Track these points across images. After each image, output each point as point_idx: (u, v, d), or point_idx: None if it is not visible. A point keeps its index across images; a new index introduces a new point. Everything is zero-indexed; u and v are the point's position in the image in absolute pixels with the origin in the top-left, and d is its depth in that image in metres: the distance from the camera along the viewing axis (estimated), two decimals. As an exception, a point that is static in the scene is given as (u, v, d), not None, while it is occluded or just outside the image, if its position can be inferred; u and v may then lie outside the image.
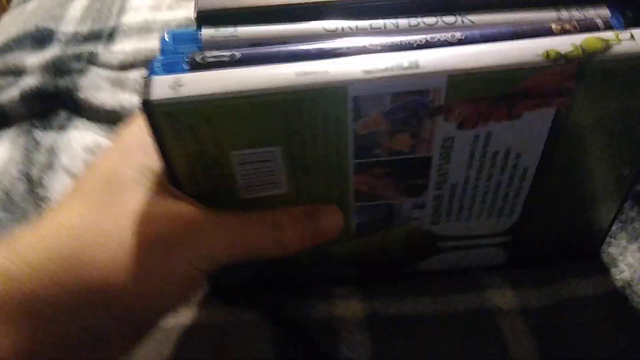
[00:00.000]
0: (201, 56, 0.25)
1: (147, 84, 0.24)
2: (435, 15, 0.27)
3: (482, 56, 0.24)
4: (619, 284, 0.34)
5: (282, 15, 0.27)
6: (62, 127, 0.49)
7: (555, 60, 0.23)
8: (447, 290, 0.35)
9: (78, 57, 0.55)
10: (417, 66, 0.24)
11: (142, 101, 0.24)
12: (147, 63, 0.27)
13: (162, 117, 0.24)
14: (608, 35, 0.24)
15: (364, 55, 0.25)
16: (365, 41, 0.26)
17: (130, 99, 0.50)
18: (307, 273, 0.36)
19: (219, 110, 0.25)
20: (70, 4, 0.66)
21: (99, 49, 0.59)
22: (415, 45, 0.25)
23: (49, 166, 0.46)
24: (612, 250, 0.36)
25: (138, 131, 0.28)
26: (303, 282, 0.36)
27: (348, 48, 0.25)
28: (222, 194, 0.28)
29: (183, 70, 0.25)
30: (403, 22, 0.27)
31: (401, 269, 0.37)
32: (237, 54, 0.26)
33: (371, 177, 0.29)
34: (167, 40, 0.27)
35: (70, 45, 0.58)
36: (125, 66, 0.55)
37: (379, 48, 0.25)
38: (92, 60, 0.55)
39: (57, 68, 0.54)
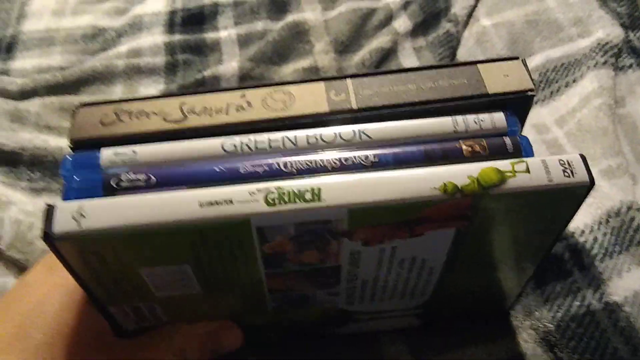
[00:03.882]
0: (116, 180, 0.26)
1: (49, 214, 0.25)
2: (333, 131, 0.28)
3: (383, 189, 0.25)
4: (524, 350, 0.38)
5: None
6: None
7: (452, 194, 0.25)
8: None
9: (-28, 81, 0.54)
10: (319, 198, 0.25)
11: (43, 232, 0.25)
12: (63, 175, 0.28)
13: (65, 247, 0.25)
14: (505, 166, 0.26)
15: (267, 183, 0.26)
16: (277, 160, 0.27)
17: (31, 139, 0.49)
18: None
19: (123, 239, 0.26)
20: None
21: (-3, 65, 0.58)
22: (329, 168, 0.27)
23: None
24: (519, 314, 0.39)
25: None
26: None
27: (259, 167, 0.27)
28: (137, 296, 0.30)
29: (96, 194, 0.26)
30: (301, 137, 0.28)
31: (319, 334, 0.39)
32: (153, 177, 0.27)
33: (284, 280, 0.31)
34: (67, 164, 0.27)
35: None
36: (25, 94, 0.54)
37: (290, 169, 0.27)
38: (-12, 85, 0.54)
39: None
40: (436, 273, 0.32)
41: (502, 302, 0.38)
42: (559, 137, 0.46)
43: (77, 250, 0.26)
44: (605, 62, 0.48)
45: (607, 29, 0.51)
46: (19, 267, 0.43)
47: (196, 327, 0.34)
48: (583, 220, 0.40)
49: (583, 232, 0.40)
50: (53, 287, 0.32)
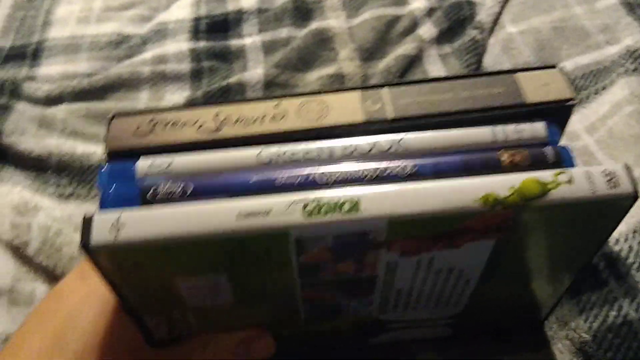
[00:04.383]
0: (153, 191, 0.26)
1: (87, 225, 0.24)
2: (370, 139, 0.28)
3: (423, 200, 0.25)
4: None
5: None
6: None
7: (493, 206, 0.25)
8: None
9: (1, 87, 0.54)
10: (357, 209, 0.25)
11: (82, 244, 0.24)
12: (100, 183, 0.28)
13: (102, 258, 0.25)
14: (547, 177, 0.25)
15: (305, 194, 0.25)
16: (313, 171, 0.27)
17: (58, 145, 0.49)
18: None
19: (161, 250, 0.25)
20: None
21: (23, 72, 0.58)
22: (365, 179, 0.27)
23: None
24: (553, 324, 0.38)
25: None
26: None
27: (295, 178, 0.27)
28: (171, 306, 0.30)
29: (133, 204, 0.26)
30: (337, 148, 0.28)
31: (350, 345, 0.39)
32: (189, 187, 0.26)
33: (318, 289, 0.30)
34: (103, 175, 0.27)
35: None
36: (51, 100, 0.54)
37: (326, 180, 0.27)
38: (16, 91, 0.54)
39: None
40: (472, 283, 0.31)
41: (537, 313, 0.38)
42: (589, 144, 0.45)
43: (115, 261, 0.25)
44: (635, 69, 0.48)
45: (635, 36, 0.50)
46: (47, 274, 0.43)
47: (229, 336, 0.33)
48: (618, 229, 0.39)
49: (618, 240, 0.39)
50: (87, 296, 0.31)
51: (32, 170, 0.49)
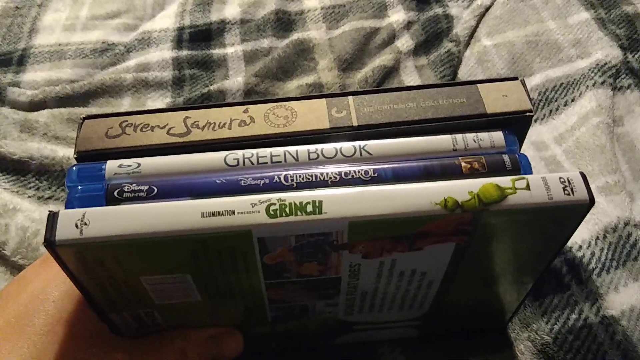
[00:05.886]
0: (119, 191, 0.26)
1: (52, 221, 0.25)
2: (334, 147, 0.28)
3: (383, 202, 0.25)
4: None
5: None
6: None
7: (452, 210, 0.25)
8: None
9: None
10: (320, 211, 0.25)
11: (45, 239, 0.24)
12: (66, 182, 0.28)
13: (66, 254, 0.25)
14: (505, 182, 0.26)
15: (269, 194, 0.26)
16: (278, 173, 0.27)
17: (39, 148, 0.49)
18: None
19: (125, 248, 0.25)
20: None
21: (8, 77, 0.58)
22: (329, 182, 0.27)
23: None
24: (516, 326, 0.39)
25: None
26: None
27: (260, 180, 0.27)
28: (137, 303, 0.30)
29: (99, 204, 0.26)
30: (302, 152, 0.28)
31: (318, 343, 0.39)
32: (155, 188, 0.26)
33: (284, 290, 0.30)
34: (72, 174, 0.27)
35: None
36: (34, 105, 0.54)
37: (291, 182, 0.27)
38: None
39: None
40: (435, 286, 0.32)
41: (500, 315, 0.38)
42: (557, 154, 0.46)
43: (79, 258, 0.25)
44: (603, 82, 0.48)
45: (606, 50, 0.51)
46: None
47: (198, 331, 0.33)
48: (581, 236, 0.40)
49: (581, 247, 0.40)
50: (51, 279, 0.31)
51: (12, 173, 0.49)
